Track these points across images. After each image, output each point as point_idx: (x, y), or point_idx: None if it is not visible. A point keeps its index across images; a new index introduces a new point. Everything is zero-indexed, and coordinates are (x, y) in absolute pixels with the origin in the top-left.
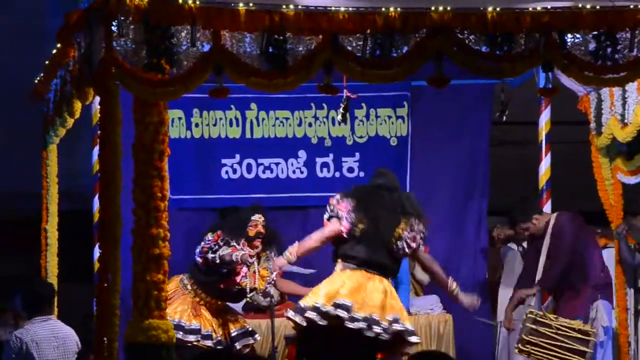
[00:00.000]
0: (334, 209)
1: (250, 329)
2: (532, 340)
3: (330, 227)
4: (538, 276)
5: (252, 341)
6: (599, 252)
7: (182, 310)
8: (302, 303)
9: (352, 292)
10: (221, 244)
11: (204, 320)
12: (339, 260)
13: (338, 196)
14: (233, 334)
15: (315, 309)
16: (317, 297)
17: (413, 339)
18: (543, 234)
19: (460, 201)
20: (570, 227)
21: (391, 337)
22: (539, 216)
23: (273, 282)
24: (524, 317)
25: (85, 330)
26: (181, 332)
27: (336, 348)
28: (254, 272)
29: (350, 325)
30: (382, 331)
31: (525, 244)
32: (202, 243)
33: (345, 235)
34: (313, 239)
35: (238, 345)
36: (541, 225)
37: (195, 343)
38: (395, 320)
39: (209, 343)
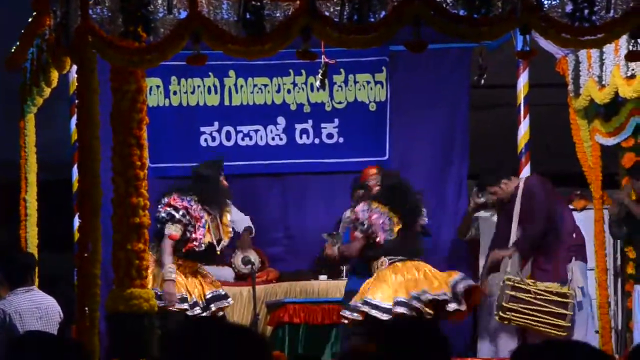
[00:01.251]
0: (366, 225)
1: (223, 292)
2: (512, 307)
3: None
4: (512, 240)
5: (226, 304)
6: (570, 213)
7: (154, 276)
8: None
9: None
10: (170, 216)
11: (178, 285)
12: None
13: (364, 209)
14: (208, 296)
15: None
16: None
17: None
18: (513, 198)
19: (440, 165)
20: (541, 189)
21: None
22: (508, 181)
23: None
24: (502, 283)
25: (66, 300)
26: None
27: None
28: (217, 225)
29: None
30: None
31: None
32: (159, 206)
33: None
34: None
35: (213, 307)
36: (510, 189)
37: (170, 308)
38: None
39: (185, 306)
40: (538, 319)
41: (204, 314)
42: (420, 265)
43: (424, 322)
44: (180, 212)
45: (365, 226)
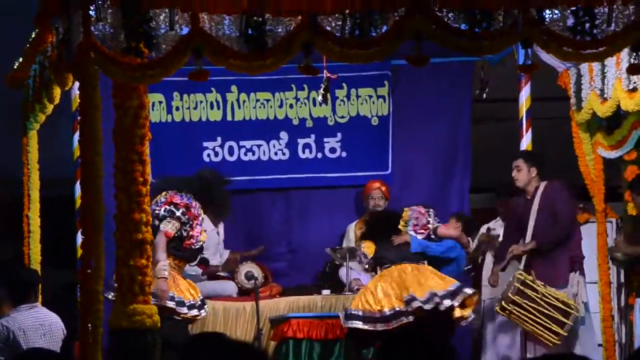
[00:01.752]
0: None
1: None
2: (517, 300)
3: None
4: (528, 237)
5: (204, 314)
6: (579, 226)
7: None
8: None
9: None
10: (170, 213)
11: (176, 287)
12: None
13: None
14: (201, 297)
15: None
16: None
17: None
18: (531, 198)
19: (442, 179)
20: (567, 193)
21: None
22: (536, 173)
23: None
24: (513, 277)
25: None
26: None
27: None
28: (204, 230)
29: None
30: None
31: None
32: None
33: None
34: None
35: (207, 308)
36: (530, 180)
37: (185, 316)
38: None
39: (184, 310)
40: (537, 320)
41: (201, 313)
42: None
43: (429, 333)
44: (180, 210)
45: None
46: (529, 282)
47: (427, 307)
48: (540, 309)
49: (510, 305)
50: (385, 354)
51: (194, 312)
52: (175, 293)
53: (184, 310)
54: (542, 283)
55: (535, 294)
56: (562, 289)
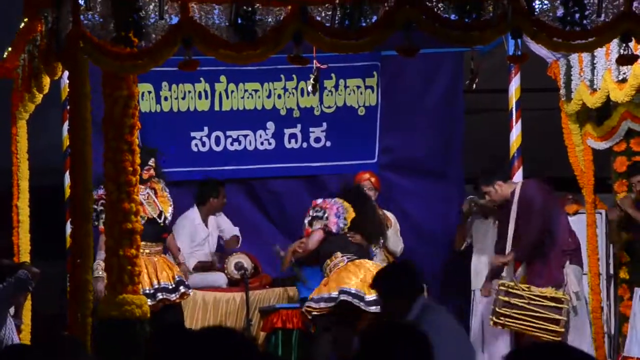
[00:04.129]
0: (321, 211)
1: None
2: (506, 312)
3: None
4: (508, 245)
5: (189, 289)
6: (565, 216)
7: None
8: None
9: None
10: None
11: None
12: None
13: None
14: (177, 279)
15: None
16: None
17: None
18: (509, 202)
19: (434, 169)
20: (539, 195)
21: None
22: (502, 183)
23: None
24: (496, 289)
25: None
26: None
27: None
28: (154, 201)
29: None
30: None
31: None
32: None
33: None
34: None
35: (182, 289)
36: (504, 193)
37: None
38: None
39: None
40: (532, 324)
41: (172, 296)
42: (377, 266)
43: (408, 326)
44: (100, 203)
45: (321, 212)
46: (511, 290)
47: None
48: (531, 313)
49: (501, 318)
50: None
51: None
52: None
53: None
54: (526, 286)
55: (521, 300)
56: (560, 288)
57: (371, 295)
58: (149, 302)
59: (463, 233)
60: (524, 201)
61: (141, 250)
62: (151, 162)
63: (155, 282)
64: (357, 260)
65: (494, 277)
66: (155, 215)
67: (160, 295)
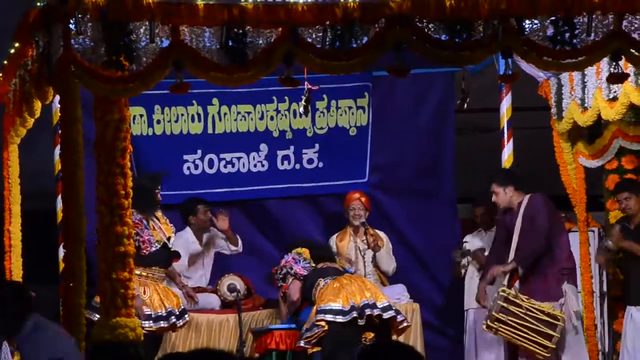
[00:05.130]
0: (285, 269)
1: (178, 312)
2: (501, 318)
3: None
4: (511, 256)
5: (180, 323)
6: (567, 236)
7: None
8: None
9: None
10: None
11: (153, 303)
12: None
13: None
14: (182, 307)
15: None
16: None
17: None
18: (514, 214)
19: (423, 189)
20: (544, 209)
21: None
22: (514, 191)
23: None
24: (496, 294)
25: None
26: None
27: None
28: (160, 227)
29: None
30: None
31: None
32: None
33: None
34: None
35: (187, 317)
36: (510, 199)
37: (149, 329)
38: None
39: (161, 324)
40: (524, 334)
41: (179, 322)
42: (357, 277)
43: (402, 346)
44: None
45: (284, 270)
46: (511, 298)
47: (386, 315)
48: (526, 323)
49: (495, 323)
50: None
51: (162, 323)
52: (151, 310)
53: (148, 323)
54: (527, 297)
55: (519, 309)
56: (554, 303)
57: (348, 306)
58: (163, 324)
59: (458, 268)
60: (529, 213)
61: (149, 275)
62: (158, 189)
63: (167, 305)
64: (338, 277)
65: (487, 284)
66: (165, 239)
67: (173, 319)
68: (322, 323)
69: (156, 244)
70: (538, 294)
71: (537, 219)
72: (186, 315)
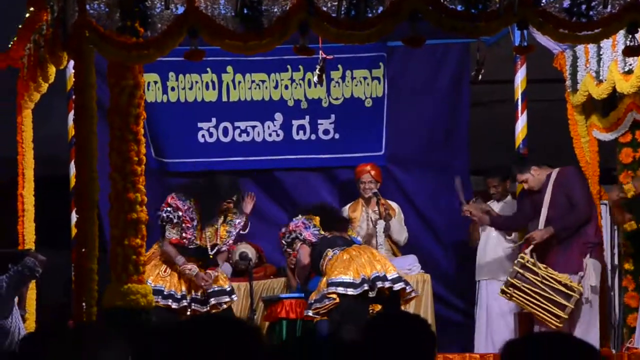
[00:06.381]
0: (293, 234)
1: (229, 288)
2: (516, 283)
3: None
4: (540, 225)
5: (227, 299)
6: (596, 211)
7: (149, 272)
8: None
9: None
10: (168, 219)
11: (171, 281)
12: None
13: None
14: (209, 291)
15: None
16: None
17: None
18: (541, 187)
19: (437, 160)
20: (583, 181)
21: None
22: (538, 168)
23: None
24: (515, 262)
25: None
26: None
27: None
28: (216, 229)
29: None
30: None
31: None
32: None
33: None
34: (304, 257)
35: (213, 301)
36: (541, 177)
37: (156, 303)
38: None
39: (169, 302)
40: (538, 302)
41: (203, 308)
42: (365, 247)
43: (410, 316)
44: (177, 214)
45: (293, 235)
46: (529, 265)
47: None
48: (541, 292)
49: (510, 288)
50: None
51: (170, 302)
52: (165, 286)
53: (157, 298)
54: (545, 266)
55: (535, 277)
56: (573, 275)
57: (359, 278)
58: (172, 303)
59: (477, 230)
60: (563, 186)
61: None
62: (234, 197)
63: (184, 288)
64: (346, 249)
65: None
66: (208, 245)
67: (184, 302)
68: (334, 295)
69: (193, 244)
70: (559, 264)
71: (575, 192)
72: (212, 300)
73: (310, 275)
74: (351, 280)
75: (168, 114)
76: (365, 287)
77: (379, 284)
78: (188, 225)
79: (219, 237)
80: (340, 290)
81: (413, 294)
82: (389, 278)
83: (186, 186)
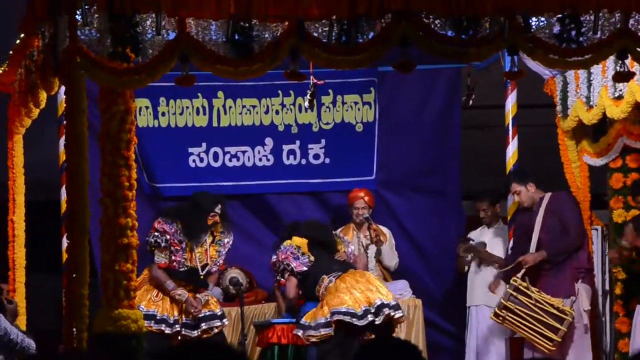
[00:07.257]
0: (280, 265)
1: (219, 312)
2: (510, 306)
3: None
4: (531, 250)
5: (219, 324)
6: (587, 237)
7: (141, 297)
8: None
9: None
10: (156, 243)
11: (163, 306)
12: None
13: (272, 258)
14: (200, 315)
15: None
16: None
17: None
18: (535, 210)
19: (429, 185)
20: (576, 206)
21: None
22: (535, 187)
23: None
24: (508, 285)
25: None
26: None
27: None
28: (206, 250)
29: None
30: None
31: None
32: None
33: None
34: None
35: (204, 326)
36: (533, 196)
37: (148, 328)
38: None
39: (162, 327)
40: (531, 325)
41: (194, 332)
42: (361, 273)
43: (401, 343)
44: (164, 238)
45: (282, 265)
46: (522, 288)
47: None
48: (534, 315)
49: (502, 311)
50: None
51: (164, 327)
52: (158, 311)
53: (148, 322)
54: (537, 289)
55: (528, 300)
56: (566, 299)
57: (360, 310)
58: (165, 328)
59: (462, 262)
60: (555, 211)
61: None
62: (217, 209)
63: (176, 313)
64: (342, 276)
65: (506, 278)
66: (199, 266)
67: (177, 327)
68: (330, 328)
69: (184, 267)
70: (551, 288)
71: (568, 217)
72: (203, 324)
73: (300, 301)
74: (354, 311)
75: (159, 139)
76: (370, 318)
77: (385, 311)
78: (177, 247)
79: (208, 257)
80: (347, 319)
81: (403, 318)
82: (391, 305)
83: (171, 209)
